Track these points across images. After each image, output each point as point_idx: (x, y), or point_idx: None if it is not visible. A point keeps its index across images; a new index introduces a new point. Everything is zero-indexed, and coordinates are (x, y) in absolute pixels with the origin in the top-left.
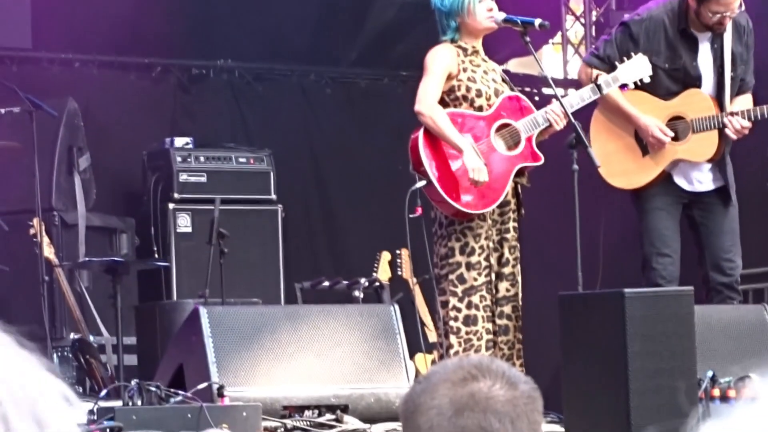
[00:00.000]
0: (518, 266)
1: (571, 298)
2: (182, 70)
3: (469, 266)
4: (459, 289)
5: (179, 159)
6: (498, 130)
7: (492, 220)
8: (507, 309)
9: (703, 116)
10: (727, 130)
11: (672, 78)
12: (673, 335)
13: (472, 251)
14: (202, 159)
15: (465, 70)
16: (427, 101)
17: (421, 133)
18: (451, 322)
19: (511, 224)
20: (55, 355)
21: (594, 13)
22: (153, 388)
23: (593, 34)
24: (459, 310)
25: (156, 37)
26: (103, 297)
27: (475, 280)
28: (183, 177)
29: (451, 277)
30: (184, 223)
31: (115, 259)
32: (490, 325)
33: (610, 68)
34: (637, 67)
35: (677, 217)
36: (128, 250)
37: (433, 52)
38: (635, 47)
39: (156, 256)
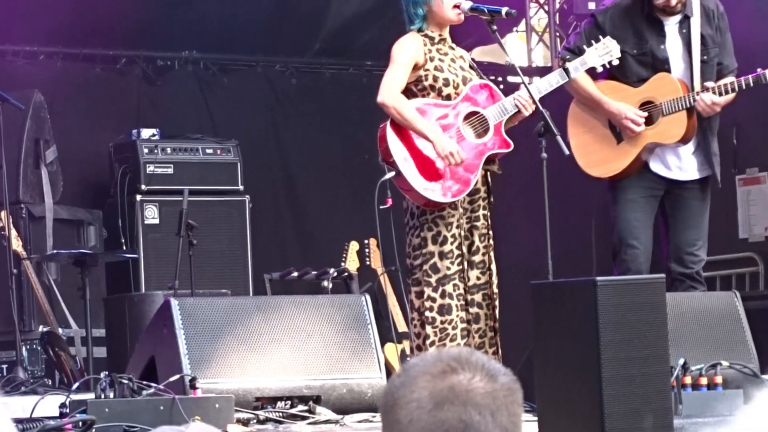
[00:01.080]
0: (490, 254)
1: (542, 286)
2: (147, 62)
3: (442, 255)
4: (433, 279)
5: (146, 150)
6: (466, 118)
7: (462, 208)
8: (478, 297)
9: (671, 99)
10: (698, 107)
11: (641, 63)
12: (646, 323)
13: (444, 240)
14: (168, 150)
15: (432, 59)
16: (390, 91)
17: (388, 124)
18: (427, 312)
19: (481, 212)
20: (24, 348)
21: (557, 0)
22: (125, 381)
23: (557, 21)
24: (434, 299)
25: (121, 28)
26: (72, 289)
27: (448, 269)
28: (150, 168)
29: (425, 267)
30: (151, 214)
31: (83, 251)
32: (463, 314)
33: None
34: (605, 49)
35: (650, 210)
36: (96, 242)
37: (400, 42)
38: (603, 36)
39: (124, 247)
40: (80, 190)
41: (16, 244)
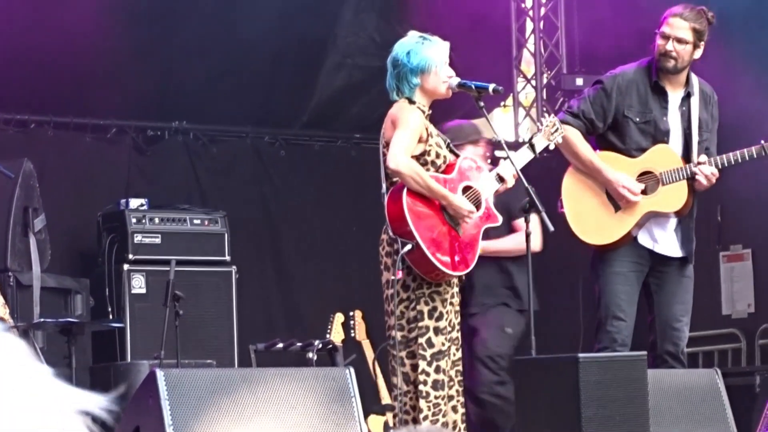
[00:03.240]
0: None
1: (525, 362)
2: (137, 132)
3: (437, 331)
4: (428, 353)
5: (134, 220)
6: (463, 192)
7: (452, 284)
8: (453, 372)
9: (671, 169)
10: (698, 177)
11: (642, 132)
12: (627, 400)
13: (440, 316)
14: (156, 220)
15: (432, 135)
16: (405, 157)
17: (404, 195)
18: (421, 386)
19: (456, 289)
20: None
21: (545, 76)
22: None
23: (544, 97)
24: (428, 374)
25: (112, 98)
26: (58, 358)
27: (443, 345)
28: (138, 238)
29: (421, 340)
30: (138, 284)
31: (70, 320)
32: (448, 390)
33: (585, 124)
34: (555, 126)
35: (636, 285)
36: (83, 311)
37: (406, 108)
38: (608, 101)
39: (110, 317)
40: (68, 258)
41: (3, 312)
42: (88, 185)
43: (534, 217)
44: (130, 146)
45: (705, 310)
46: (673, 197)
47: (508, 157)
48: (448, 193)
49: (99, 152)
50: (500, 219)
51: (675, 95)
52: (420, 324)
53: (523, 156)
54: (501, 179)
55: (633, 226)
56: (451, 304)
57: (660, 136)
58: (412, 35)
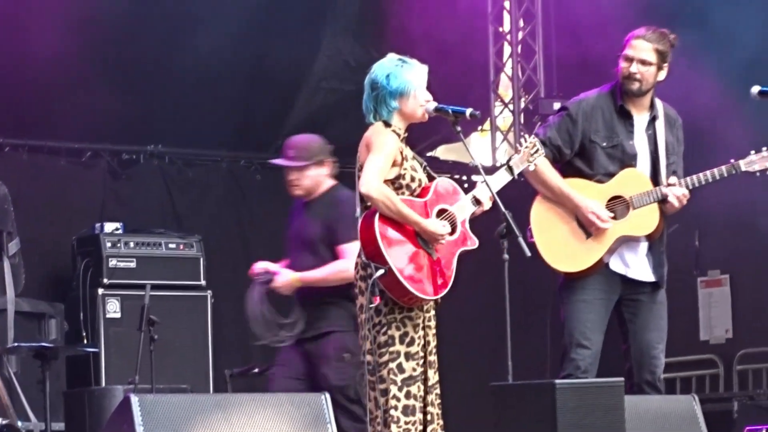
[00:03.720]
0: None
1: (502, 388)
2: (112, 155)
3: (408, 356)
4: (398, 378)
5: (109, 244)
6: (438, 215)
7: (424, 308)
8: (433, 396)
9: (641, 192)
10: (669, 199)
11: (609, 156)
12: (604, 426)
13: (411, 341)
14: (131, 244)
15: (407, 158)
16: (377, 182)
17: (376, 218)
18: (392, 411)
19: (432, 312)
20: None
21: (522, 100)
22: None
23: (522, 121)
24: (398, 399)
25: (86, 122)
26: (32, 382)
27: (414, 370)
28: (112, 262)
29: (391, 365)
30: (113, 308)
31: (44, 344)
32: (421, 415)
33: (552, 151)
34: (535, 147)
35: (604, 314)
36: (57, 336)
37: (380, 132)
38: (574, 127)
39: (85, 341)
40: (42, 282)
41: None
42: (62, 209)
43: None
44: (105, 170)
45: (683, 335)
46: (645, 221)
47: (484, 181)
48: (419, 219)
49: (74, 176)
50: (476, 241)
51: (640, 118)
52: (391, 349)
53: (501, 178)
54: (477, 202)
55: (605, 252)
56: (428, 327)
57: (627, 159)
58: (392, 57)
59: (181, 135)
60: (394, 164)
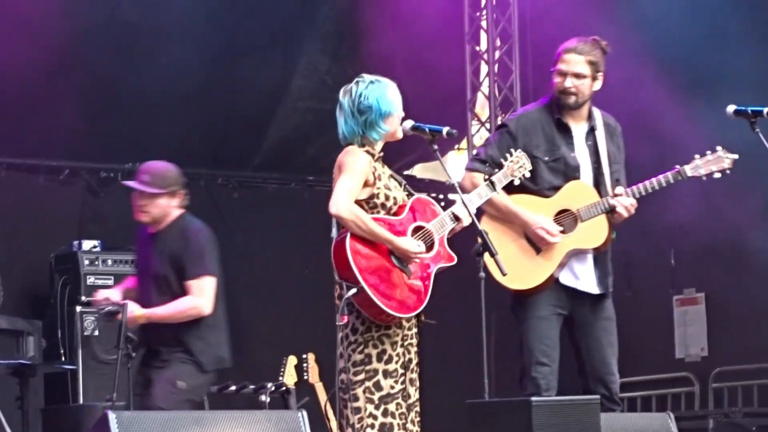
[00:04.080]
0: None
1: (478, 405)
2: (91, 173)
3: (386, 374)
4: (376, 396)
5: (87, 262)
6: (414, 233)
7: (403, 326)
8: (413, 414)
9: (588, 204)
10: (618, 209)
11: (552, 170)
12: None
13: (389, 359)
14: (109, 262)
15: (380, 177)
16: (346, 202)
17: (348, 238)
18: (368, 430)
19: (415, 330)
20: None
21: (499, 119)
22: None
23: None
24: (375, 417)
25: (64, 140)
26: (10, 399)
27: (392, 387)
28: (90, 280)
29: (368, 383)
30: (91, 326)
31: (22, 361)
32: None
33: (495, 168)
34: (519, 162)
35: (558, 327)
36: (35, 353)
37: (353, 152)
38: (514, 143)
39: (63, 358)
40: (20, 300)
41: None
42: (40, 226)
43: None
44: (83, 188)
45: (658, 353)
46: (594, 233)
47: (462, 200)
48: (392, 237)
49: (52, 194)
50: (455, 258)
51: (579, 129)
52: (368, 367)
53: (482, 194)
54: (456, 218)
55: (556, 267)
56: (410, 345)
57: (571, 172)
58: (364, 78)
59: (158, 153)
60: (366, 184)
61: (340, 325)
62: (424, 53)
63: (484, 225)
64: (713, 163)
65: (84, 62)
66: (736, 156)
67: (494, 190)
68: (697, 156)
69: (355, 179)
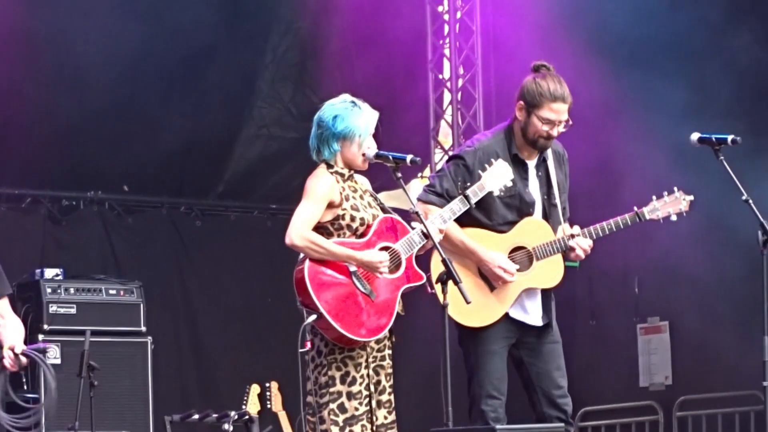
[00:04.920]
0: (392, 394)
1: None
2: (53, 202)
3: (350, 396)
4: (340, 419)
5: (49, 290)
6: None
7: (370, 348)
8: None
9: (544, 243)
10: (577, 251)
11: (507, 206)
12: None
13: (353, 381)
14: (72, 290)
15: (348, 198)
16: (298, 231)
17: (306, 265)
18: None
19: (387, 352)
20: None
21: None
22: None
23: None
24: None
25: (26, 168)
26: None
27: (356, 409)
28: (53, 308)
29: (332, 406)
30: (53, 354)
31: None
32: None
33: (447, 202)
34: (500, 173)
35: (505, 359)
36: None
37: (315, 176)
38: (471, 178)
39: (25, 387)
40: None
41: None
42: (2, 255)
43: None
44: (45, 216)
45: (623, 382)
46: (550, 272)
47: (426, 228)
48: (353, 252)
49: (13, 222)
50: (424, 277)
51: (532, 162)
52: (332, 389)
53: (455, 209)
54: (425, 235)
55: (510, 306)
56: (380, 367)
57: (525, 208)
58: (344, 98)
59: (120, 181)
60: (331, 206)
61: (302, 351)
62: (387, 81)
63: (437, 258)
64: (670, 205)
65: (43, 91)
66: (692, 197)
67: (468, 204)
68: (654, 197)
69: (313, 205)
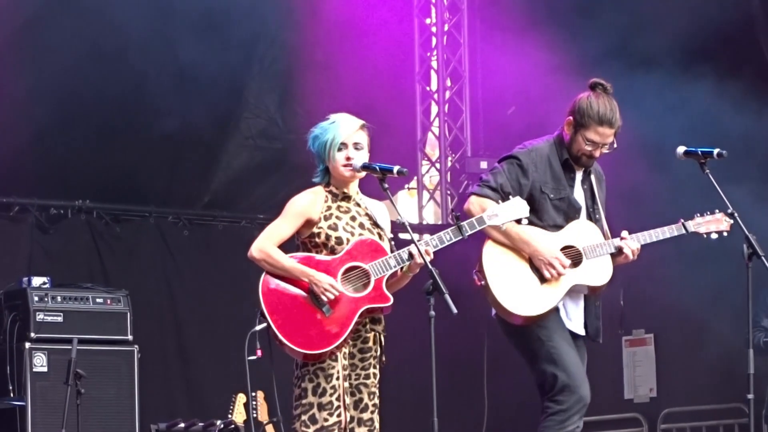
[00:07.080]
0: (377, 413)
1: None
2: (40, 210)
3: (321, 407)
4: (311, 430)
5: (36, 298)
6: (346, 272)
7: (350, 363)
8: None
9: (594, 244)
10: (625, 251)
11: (557, 209)
12: None
13: (323, 392)
14: (59, 299)
15: (328, 217)
16: (258, 245)
17: (263, 276)
18: None
19: (372, 370)
20: None
21: (450, 159)
22: None
23: (448, 179)
24: None
25: (14, 176)
26: None
27: (326, 420)
28: (40, 316)
29: (304, 417)
30: (40, 362)
31: None
32: None
33: (503, 198)
34: (514, 208)
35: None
36: None
37: (299, 194)
38: (525, 177)
39: (11, 395)
40: None
41: None
42: None
43: None
44: (33, 224)
45: (607, 394)
46: (600, 271)
47: (412, 240)
48: (306, 270)
49: (1, 230)
50: (391, 300)
51: (579, 173)
52: (303, 401)
53: (444, 238)
54: (411, 256)
55: (561, 298)
56: (363, 385)
57: (572, 213)
58: (327, 118)
59: (108, 190)
60: (310, 223)
61: (251, 360)
62: (374, 93)
63: (488, 250)
64: (713, 223)
65: (32, 101)
66: (732, 221)
67: (461, 235)
68: (697, 214)
69: (282, 221)
